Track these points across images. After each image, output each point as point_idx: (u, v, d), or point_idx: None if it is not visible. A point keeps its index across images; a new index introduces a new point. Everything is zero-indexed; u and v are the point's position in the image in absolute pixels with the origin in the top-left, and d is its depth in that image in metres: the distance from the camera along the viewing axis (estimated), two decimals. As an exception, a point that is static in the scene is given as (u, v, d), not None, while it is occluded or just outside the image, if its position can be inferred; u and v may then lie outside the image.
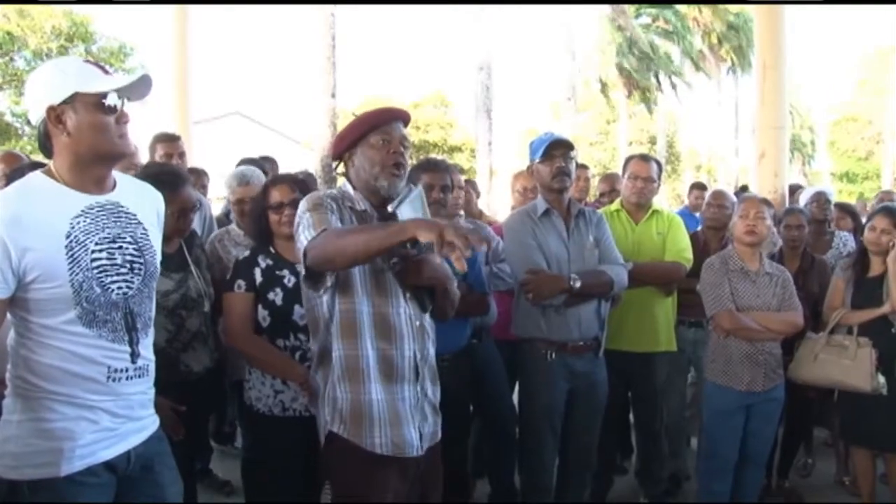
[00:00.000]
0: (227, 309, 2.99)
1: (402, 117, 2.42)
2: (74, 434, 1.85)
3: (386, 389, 2.26)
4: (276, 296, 2.92)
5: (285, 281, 2.94)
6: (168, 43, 7.92)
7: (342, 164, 2.44)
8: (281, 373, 2.89)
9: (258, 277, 2.95)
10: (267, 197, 3.09)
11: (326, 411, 2.27)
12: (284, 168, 5.67)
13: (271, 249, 3.05)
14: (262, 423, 2.99)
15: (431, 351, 2.42)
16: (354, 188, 2.38)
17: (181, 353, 2.99)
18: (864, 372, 3.61)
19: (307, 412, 2.82)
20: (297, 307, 2.87)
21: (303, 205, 2.27)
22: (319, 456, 2.39)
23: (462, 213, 4.19)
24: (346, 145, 2.38)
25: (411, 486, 2.33)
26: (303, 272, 2.20)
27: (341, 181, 2.50)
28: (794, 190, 6.14)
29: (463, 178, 4.63)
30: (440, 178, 3.30)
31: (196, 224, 3.94)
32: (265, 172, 4.78)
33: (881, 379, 3.60)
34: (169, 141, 4.70)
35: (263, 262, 2.99)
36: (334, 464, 2.30)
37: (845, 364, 3.67)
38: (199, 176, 5.45)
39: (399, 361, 2.27)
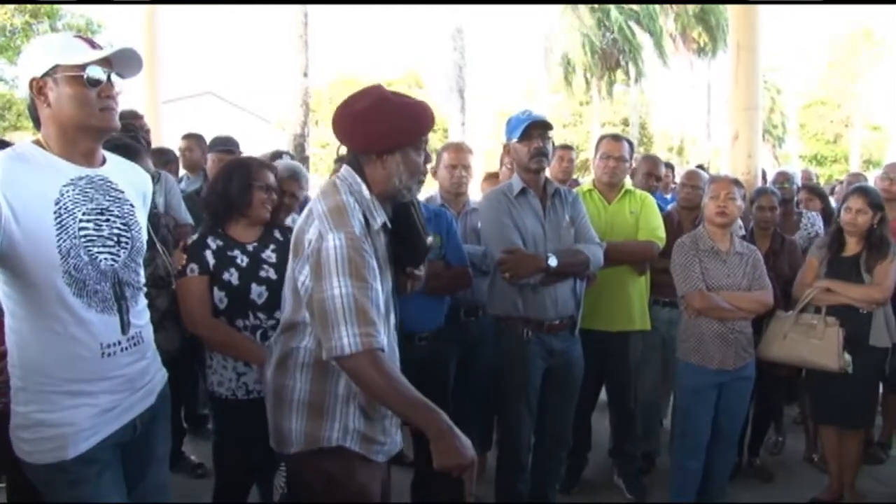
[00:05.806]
0: (182, 294, 2.88)
1: None
2: (76, 419, 1.90)
3: None
4: (231, 276, 2.83)
5: (238, 261, 2.86)
6: (137, 20, 7.76)
7: (368, 156, 2.10)
8: (243, 355, 2.83)
9: (210, 259, 2.85)
10: (259, 176, 2.93)
11: (336, 426, 2.09)
12: (256, 148, 5.63)
13: (219, 230, 2.93)
14: (226, 408, 2.93)
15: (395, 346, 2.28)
16: (369, 187, 2.10)
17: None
18: (832, 351, 3.66)
19: None
20: (253, 286, 2.82)
21: (332, 228, 1.95)
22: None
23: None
24: (393, 144, 2.08)
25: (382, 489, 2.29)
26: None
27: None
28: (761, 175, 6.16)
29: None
30: None
31: (160, 200, 3.93)
32: (232, 152, 4.80)
33: (847, 358, 3.66)
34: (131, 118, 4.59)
35: (213, 243, 2.89)
36: (323, 474, 2.12)
37: (814, 343, 3.72)
38: (167, 156, 5.40)
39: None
